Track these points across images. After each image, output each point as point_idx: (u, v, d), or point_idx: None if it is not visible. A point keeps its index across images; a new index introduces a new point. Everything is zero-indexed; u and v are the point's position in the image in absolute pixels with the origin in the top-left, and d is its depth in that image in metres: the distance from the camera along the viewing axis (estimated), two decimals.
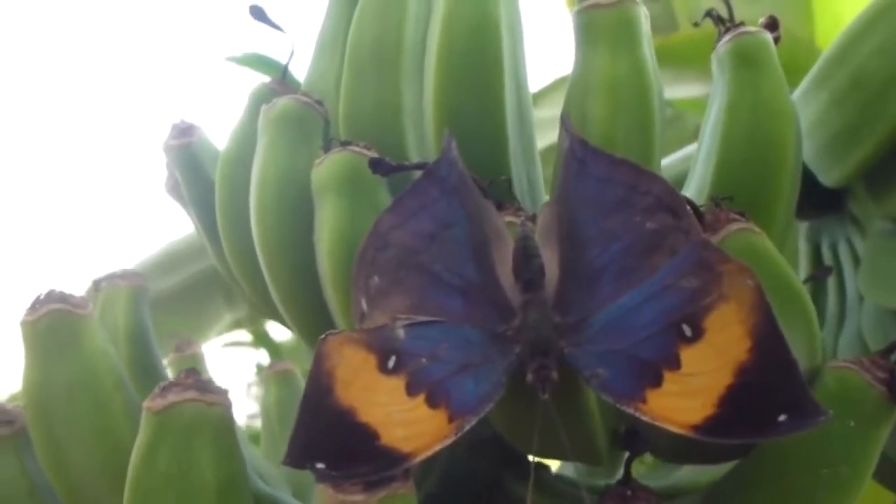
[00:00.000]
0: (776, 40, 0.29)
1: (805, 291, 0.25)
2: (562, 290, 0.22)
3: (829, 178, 0.34)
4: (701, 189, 0.27)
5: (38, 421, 0.26)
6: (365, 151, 0.24)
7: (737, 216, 0.24)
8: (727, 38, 0.27)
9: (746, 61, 0.26)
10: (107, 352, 0.27)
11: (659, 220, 0.22)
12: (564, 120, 0.23)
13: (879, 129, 0.30)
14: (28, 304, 0.27)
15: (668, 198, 0.22)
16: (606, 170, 0.22)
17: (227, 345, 1.27)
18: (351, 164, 0.24)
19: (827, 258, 0.41)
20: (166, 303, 0.65)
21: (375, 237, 0.22)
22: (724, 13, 0.28)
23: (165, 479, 0.22)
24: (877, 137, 0.30)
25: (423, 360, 0.21)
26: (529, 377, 0.20)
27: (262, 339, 1.28)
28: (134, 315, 0.33)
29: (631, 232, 0.22)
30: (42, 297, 0.27)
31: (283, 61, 0.31)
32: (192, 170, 0.33)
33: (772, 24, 0.28)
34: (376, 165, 0.23)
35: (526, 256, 0.22)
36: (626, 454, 0.25)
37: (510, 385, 0.21)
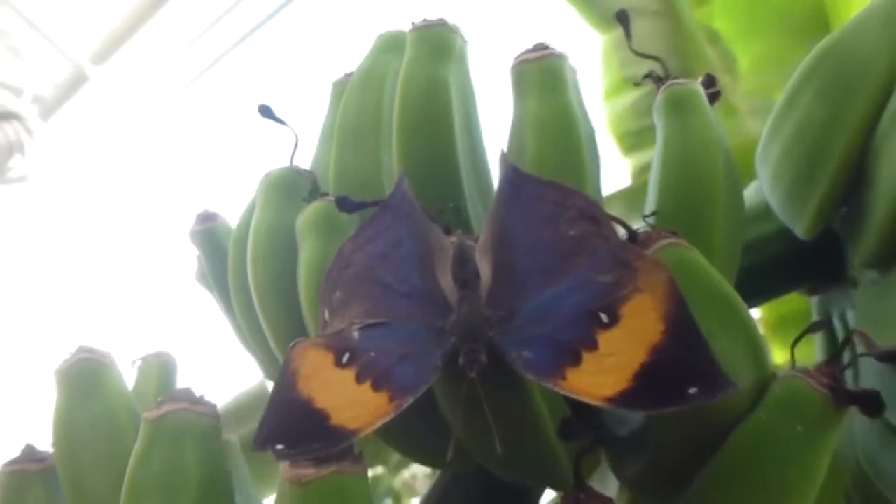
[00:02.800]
0: (716, 95, 0.34)
1: (742, 303, 0.28)
2: (493, 289, 0.26)
3: (800, 229, 0.36)
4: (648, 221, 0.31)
5: (64, 451, 0.31)
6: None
7: (668, 234, 0.28)
8: (661, 90, 0.32)
9: (676, 106, 0.31)
10: (123, 393, 0.33)
11: (581, 227, 0.26)
12: (502, 154, 0.28)
13: (828, 170, 0.33)
14: (61, 360, 0.33)
15: (589, 209, 0.26)
16: (535, 190, 0.27)
17: None
18: (326, 210, 0.30)
19: (838, 329, 0.42)
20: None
21: (339, 259, 0.27)
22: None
23: (156, 477, 0.26)
24: (826, 180, 0.33)
25: (372, 353, 0.25)
26: (461, 360, 0.24)
27: None
28: (162, 380, 0.39)
29: (556, 238, 0.26)
30: (73, 351, 0.33)
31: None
32: (213, 250, 0.39)
33: (709, 82, 0.33)
34: (342, 203, 0.28)
35: (461, 261, 0.26)
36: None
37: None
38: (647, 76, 0.32)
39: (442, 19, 0.32)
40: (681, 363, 0.23)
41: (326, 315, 0.27)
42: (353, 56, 0.37)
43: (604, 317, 0.24)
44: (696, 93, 0.31)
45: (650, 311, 0.24)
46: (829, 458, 0.26)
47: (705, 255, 0.28)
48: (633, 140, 1.25)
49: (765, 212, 0.39)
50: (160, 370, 0.40)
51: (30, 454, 0.32)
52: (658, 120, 0.31)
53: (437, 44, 0.31)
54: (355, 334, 0.25)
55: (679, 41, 1.28)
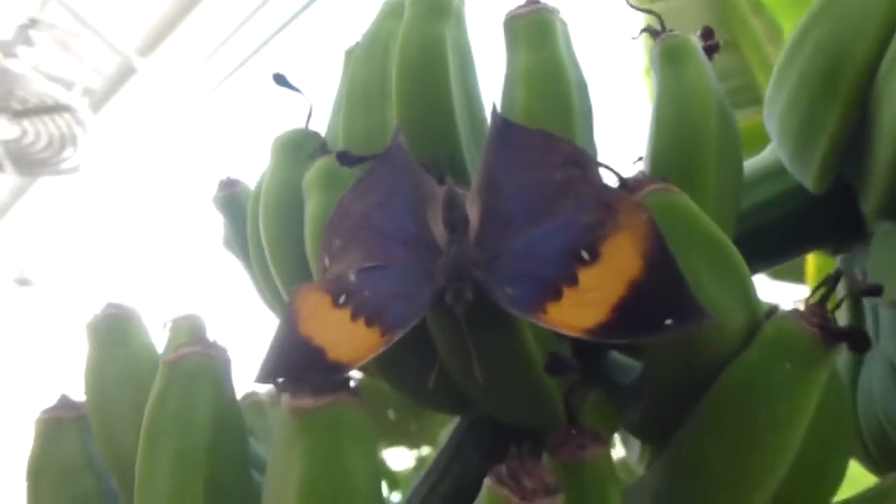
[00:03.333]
0: (714, 47, 0.34)
1: (732, 246, 0.29)
2: (481, 232, 0.27)
3: (809, 182, 0.37)
4: (645, 165, 0.32)
5: (93, 399, 0.34)
6: None
7: (658, 180, 0.29)
8: (657, 43, 0.33)
9: (669, 57, 0.32)
10: (148, 345, 0.35)
11: (566, 172, 0.27)
12: (493, 106, 0.30)
13: (831, 119, 0.33)
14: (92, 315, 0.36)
15: (575, 155, 0.27)
16: (523, 138, 0.28)
17: None
18: (329, 165, 0.31)
19: None
20: None
21: (339, 209, 0.29)
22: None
23: (172, 416, 0.28)
24: (830, 129, 0.33)
25: (366, 294, 0.27)
26: (448, 297, 0.25)
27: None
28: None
29: (541, 183, 0.27)
30: (102, 307, 0.36)
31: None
32: (234, 214, 0.42)
33: (706, 34, 0.34)
34: (343, 158, 0.30)
35: (450, 207, 0.27)
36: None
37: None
38: (643, 30, 0.33)
39: None
40: (658, 297, 0.24)
41: (326, 261, 0.28)
42: None
43: (585, 254, 0.25)
44: (690, 44, 0.32)
45: (630, 248, 0.25)
46: (817, 396, 0.27)
47: (697, 201, 0.29)
48: None
49: (781, 169, 0.40)
50: (190, 330, 0.42)
51: (64, 402, 0.35)
52: (654, 73, 0.32)
53: (433, 3, 0.33)
54: (352, 278, 0.27)
55: (723, 12, 1.26)
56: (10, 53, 2.30)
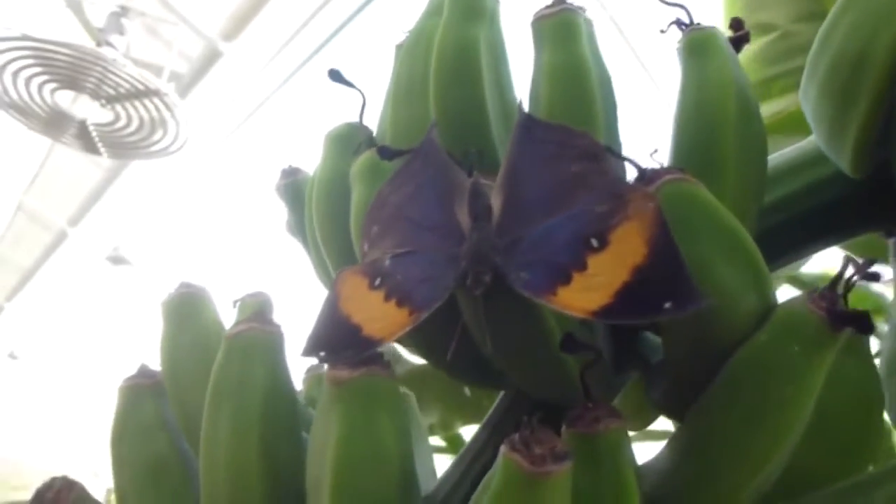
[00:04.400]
0: (743, 38, 0.36)
1: (746, 234, 0.31)
2: (502, 221, 0.30)
3: (845, 168, 0.38)
4: (667, 159, 0.34)
5: (167, 370, 0.39)
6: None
7: (675, 171, 0.31)
8: (683, 36, 0.35)
9: (693, 51, 0.34)
10: (216, 321, 0.40)
11: (582, 164, 0.30)
12: (519, 103, 0.33)
13: (861, 105, 0.34)
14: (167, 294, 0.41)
15: (591, 148, 0.30)
16: (544, 133, 0.31)
17: None
18: (371, 159, 0.35)
19: None
20: None
21: (377, 200, 0.33)
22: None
23: (230, 384, 0.32)
24: (861, 115, 0.34)
25: (398, 277, 0.30)
26: (468, 280, 0.28)
27: (455, 445, 1.36)
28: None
29: (559, 175, 0.30)
30: (176, 286, 0.40)
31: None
32: (295, 201, 0.46)
33: (736, 25, 0.36)
34: (382, 152, 0.34)
35: (475, 196, 0.30)
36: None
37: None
38: (672, 23, 0.35)
39: None
40: (659, 281, 0.27)
41: (366, 247, 0.32)
42: None
43: (594, 242, 0.28)
44: (715, 37, 0.34)
45: (636, 236, 0.27)
46: (823, 377, 0.29)
47: (715, 191, 0.31)
48: (760, 89, 1.22)
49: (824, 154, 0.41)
50: (255, 307, 0.47)
51: (143, 371, 0.39)
52: (680, 65, 0.34)
53: (469, 5, 0.36)
54: (387, 262, 0.31)
55: None
56: (102, 41, 2.43)
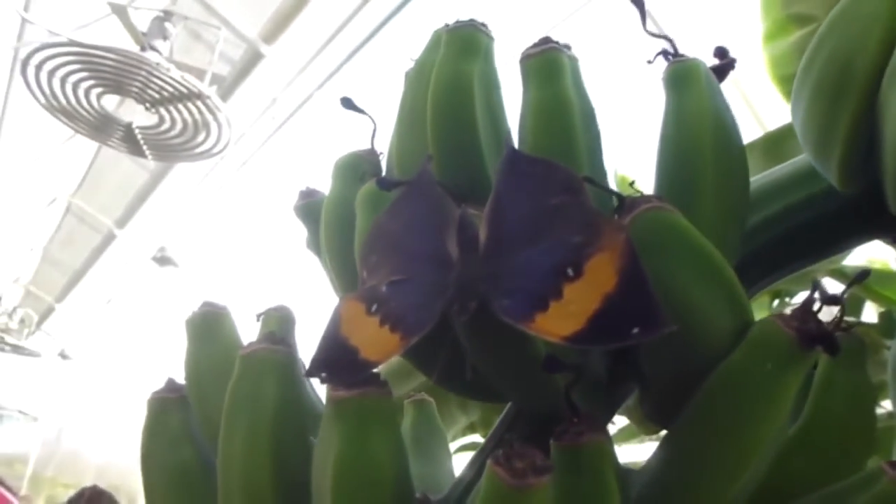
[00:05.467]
0: (728, 66, 0.38)
1: (721, 258, 0.33)
2: (487, 251, 0.33)
3: (835, 182, 0.40)
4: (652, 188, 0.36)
5: (191, 384, 0.42)
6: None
7: (654, 199, 0.33)
8: (666, 68, 0.37)
9: (675, 83, 0.36)
10: (235, 338, 0.43)
11: (561, 197, 0.32)
12: (506, 137, 0.35)
13: (842, 129, 0.35)
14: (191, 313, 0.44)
15: (570, 181, 0.32)
16: (527, 167, 0.34)
17: (461, 448, 1.40)
18: (373, 188, 0.38)
19: None
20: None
21: (375, 229, 0.36)
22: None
23: (244, 400, 0.36)
24: (842, 139, 0.36)
25: (392, 303, 0.33)
26: (455, 308, 0.31)
27: None
28: (280, 330, 0.49)
29: (540, 207, 0.32)
30: (199, 305, 0.44)
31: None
32: (312, 221, 0.49)
33: (720, 53, 0.38)
34: (381, 183, 0.37)
35: (463, 227, 0.33)
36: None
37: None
38: (658, 54, 0.37)
39: (472, 20, 0.39)
40: (628, 308, 0.29)
41: (364, 274, 0.35)
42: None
43: (570, 271, 0.30)
44: (696, 68, 0.36)
45: (608, 265, 0.30)
46: (795, 394, 0.31)
47: (693, 219, 0.33)
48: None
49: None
50: (279, 322, 0.50)
51: (170, 385, 0.43)
52: (663, 96, 0.37)
53: (464, 42, 0.38)
54: (383, 289, 0.34)
55: None
56: (147, 45, 2.51)
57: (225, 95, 2.71)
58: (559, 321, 0.30)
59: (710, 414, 0.32)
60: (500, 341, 0.33)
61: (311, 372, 0.33)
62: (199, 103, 2.53)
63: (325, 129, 2.83)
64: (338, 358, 0.33)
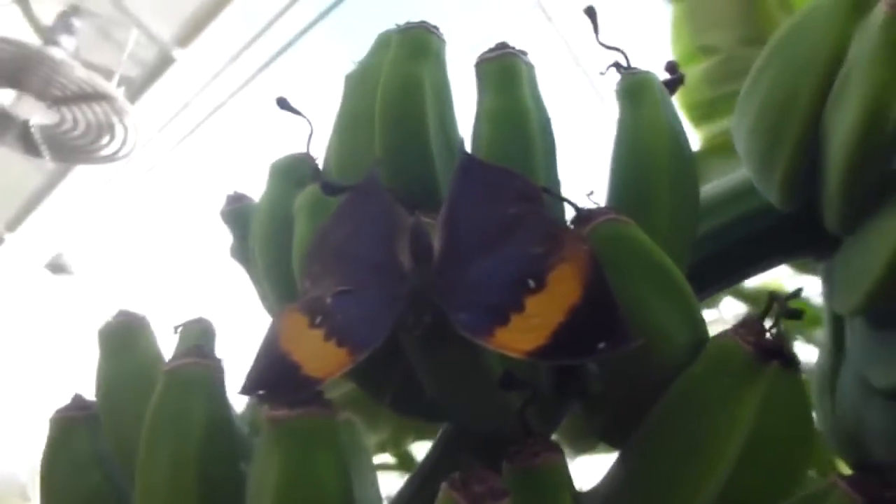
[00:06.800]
0: (678, 80, 0.37)
1: (678, 271, 0.32)
2: (442, 261, 0.31)
3: (774, 202, 0.40)
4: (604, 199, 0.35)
5: (103, 401, 0.38)
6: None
7: (610, 211, 0.32)
8: (619, 80, 0.36)
9: (628, 94, 0.35)
10: (155, 351, 0.39)
11: (519, 206, 0.31)
12: (460, 143, 0.33)
13: (786, 148, 0.36)
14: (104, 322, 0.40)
15: (527, 190, 0.31)
16: (483, 174, 0.32)
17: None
18: (314, 193, 0.35)
19: None
20: None
21: (318, 236, 0.33)
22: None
23: (168, 418, 0.32)
24: (786, 157, 0.36)
25: (339, 316, 0.30)
26: (409, 321, 0.29)
27: (406, 462, 1.35)
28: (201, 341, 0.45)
29: (497, 216, 0.31)
30: (114, 314, 0.40)
31: None
32: (239, 228, 0.46)
33: (671, 68, 0.37)
34: (325, 187, 0.34)
35: (416, 235, 0.31)
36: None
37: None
38: (610, 66, 0.36)
39: (423, 22, 0.37)
40: (593, 322, 0.28)
41: (307, 284, 0.32)
42: None
43: (532, 283, 0.29)
44: (649, 81, 0.35)
45: (572, 278, 0.28)
46: (754, 407, 0.30)
47: (650, 231, 0.32)
48: (704, 110, 1.26)
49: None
50: (199, 335, 0.46)
51: (77, 402, 0.39)
52: (617, 108, 0.36)
53: (415, 44, 0.36)
54: (327, 300, 0.31)
55: (751, 8, 1.27)
56: (50, 41, 2.38)
57: (133, 98, 2.60)
58: (521, 335, 0.28)
59: (668, 431, 0.31)
60: (453, 356, 0.31)
61: (247, 390, 0.30)
62: (104, 104, 2.42)
63: (238, 137, 2.75)
64: (277, 374, 0.30)
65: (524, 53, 0.35)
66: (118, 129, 2.49)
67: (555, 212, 0.33)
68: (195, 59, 2.60)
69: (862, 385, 0.41)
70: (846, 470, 0.46)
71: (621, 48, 0.36)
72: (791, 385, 0.35)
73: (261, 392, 0.30)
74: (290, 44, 2.48)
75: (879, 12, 0.31)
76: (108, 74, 2.47)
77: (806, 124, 0.35)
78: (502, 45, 0.35)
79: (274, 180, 0.40)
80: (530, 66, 0.35)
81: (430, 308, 0.29)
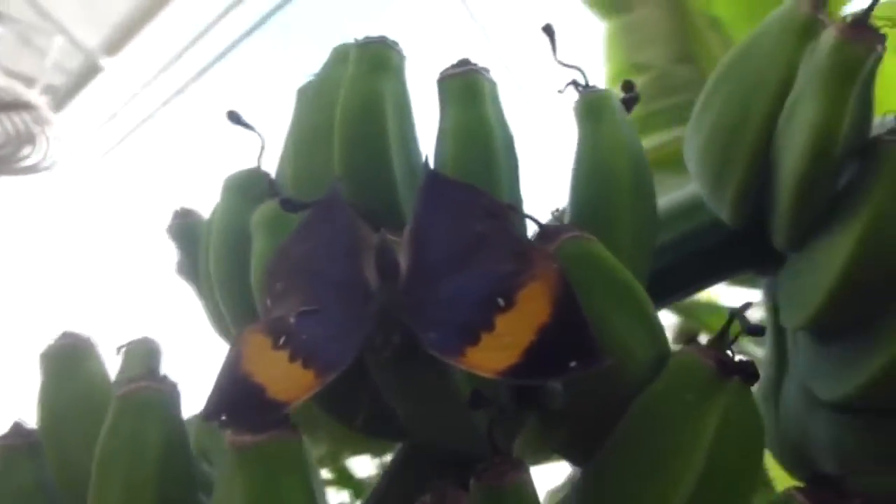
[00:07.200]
0: (634, 99, 0.38)
1: (641, 288, 0.32)
2: (409, 279, 0.30)
3: (725, 219, 0.41)
4: (566, 216, 0.35)
5: (47, 427, 0.36)
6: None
7: (573, 228, 0.32)
8: (578, 97, 0.36)
9: (588, 112, 0.36)
10: (102, 374, 0.38)
11: (486, 224, 0.30)
12: (425, 159, 0.33)
13: (739, 167, 0.37)
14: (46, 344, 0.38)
15: (494, 208, 0.31)
16: (449, 191, 0.32)
17: None
18: (273, 209, 0.34)
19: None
20: None
21: (279, 255, 0.32)
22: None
23: (122, 446, 0.31)
24: (738, 176, 0.37)
25: (304, 336, 0.29)
26: (377, 340, 0.28)
27: (343, 477, 1.33)
28: (146, 365, 0.43)
29: (464, 233, 0.30)
30: (57, 336, 0.38)
31: None
32: (187, 244, 0.44)
33: (627, 87, 0.38)
34: (286, 204, 0.33)
35: (382, 253, 0.30)
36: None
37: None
38: (569, 84, 0.36)
39: (382, 36, 0.36)
40: (564, 341, 0.28)
41: (268, 303, 0.31)
42: None
43: (501, 301, 0.28)
44: (608, 99, 0.36)
45: (541, 296, 0.28)
46: (715, 421, 0.31)
47: (613, 247, 0.32)
48: (637, 126, 1.28)
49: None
50: (144, 355, 0.45)
51: (17, 430, 0.37)
52: (576, 122, 0.36)
53: (375, 60, 0.36)
54: (291, 320, 0.30)
55: (682, 27, 1.31)
56: None
57: (57, 107, 2.51)
58: (492, 354, 0.28)
59: (633, 447, 0.31)
60: (422, 376, 0.30)
61: (209, 413, 0.29)
62: (24, 114, 2.32)
63: (169, 148, 2.68)
64: (240, 398, 0.29)
65: (486, 70, 0.35)
66: (40, 139, 2.39)
67: (518, 228, 0.32)
68: (124, 67, 2.53)
69: (807, 397, 0.42)
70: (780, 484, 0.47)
71: (579, 66, 0.36)
72: (746, 398, 0.35)
73: (223, 417, 0.28)
74: (224, 53, 2.43)
75: (828, 36, 0.32)
76: (29, 82, 2.38)
77: (757, 145, 0.36)
78: (465, 62, 0.35)
79: (230, 196, 0.39)
80: (493, 83, 0.35)
81: (399, 328, 0.29)
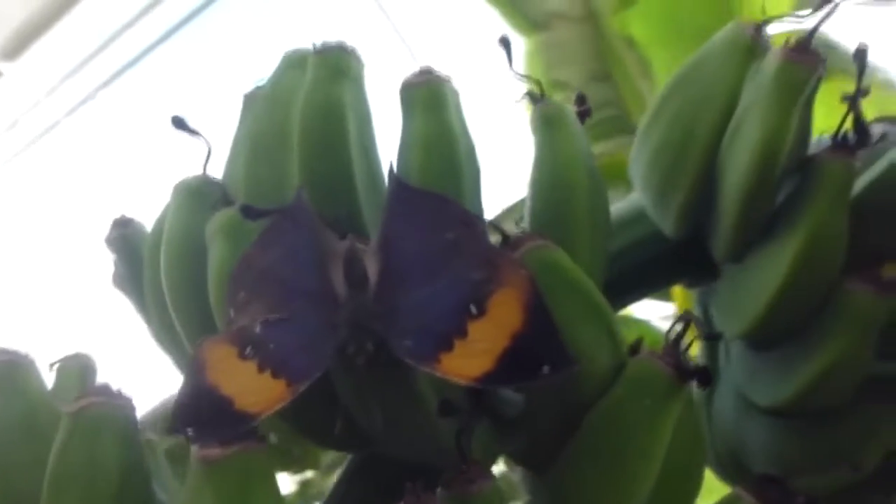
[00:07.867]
0: (587, 112, 0.39)
1: (601, 296, 0.33)
2: (379, 287, 0.30)
3: (667, 230, 0.42)
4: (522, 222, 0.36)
5: None
6: None
7: (537, 237, 0.32)
8: (535, 109, 0.37)
9: (545, 124, 0.36)
10: (43, 392, 0.36)
11: (455, 231, 0.31)
12: (390, 168, 0.33)
13: (683, 183, 0.39)
14: None
15: (462, 216, 0.31)
16: (418, 200, 0.32)
17: None
18: (232, 217, 0.33)
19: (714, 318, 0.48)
20: None
21: (242, 263, 0.31)
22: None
23: (76, 467, 0.29)
24: (683, 192, 0.39)
25: (272, 346, 0.29)
26: (350, 349, 0.28)
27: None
28: (82, 381, 0.41)
29: (434, 242, 0.31)
30: None
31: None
32: (128, 255, 0.42)
33: (580, 100, 0.39)
34: (246, 212, 0.32)
35: (350, 262, 0.30)
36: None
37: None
38: (524, 95, 0.37)
39: (341, 42, 0.36)
40: (536, 347, 0.28)
41: (232, 313, 0.30)
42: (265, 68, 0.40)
43: (473, 308, 0.29)
44: (564, 112, 0.37)
45: (513, 302, 0.29)
46: (671, 425, 0.32)
47: (571, 253, 0.33)
48: None
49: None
50: (80, 371, 0.42)
51: None
52: (533, 133, 0.37)
53: (334, 67, 0.35)
54: (257, 330, 0.29)
55: (599, 46, 1.35)
56: None
57: None
58: (466, 361, 0.28)
59: (593, 452, 0.32)
60: (389, 384, 0.30)
61: (176, 429, 0.28)
62: None
63: (73, 159, 2.57)
64: (207, 410, 0.28)
65: (449, 78, 0.35)
66: None
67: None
68: (25, 73, 2.41)
69: (743, 404, 0.44)
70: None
71: (536, 78, 0.37)
72: (691, 402, 0.37)
73: (189, 430, 0.27)
74: (134, 61, 2.35)
75: (773, 58, 0.34)
76: None
77: (703, 160, 0.38)
78: (427, 70, 0.35)
79: (182, 203, 0.37)
80: (455, 92, 0.36)
81: (372, 335, 0.28)
